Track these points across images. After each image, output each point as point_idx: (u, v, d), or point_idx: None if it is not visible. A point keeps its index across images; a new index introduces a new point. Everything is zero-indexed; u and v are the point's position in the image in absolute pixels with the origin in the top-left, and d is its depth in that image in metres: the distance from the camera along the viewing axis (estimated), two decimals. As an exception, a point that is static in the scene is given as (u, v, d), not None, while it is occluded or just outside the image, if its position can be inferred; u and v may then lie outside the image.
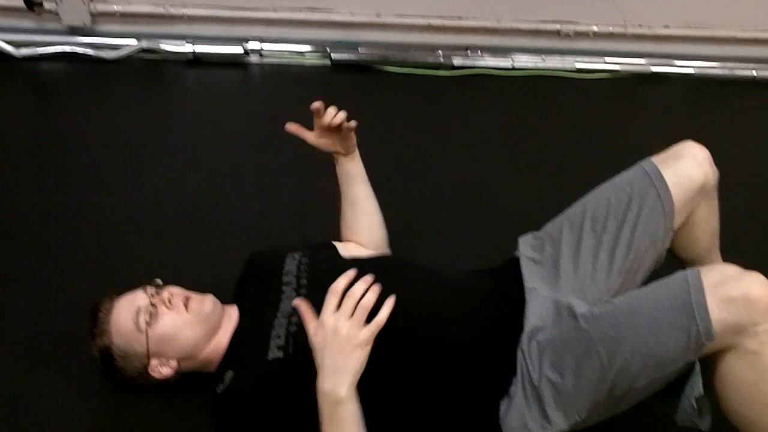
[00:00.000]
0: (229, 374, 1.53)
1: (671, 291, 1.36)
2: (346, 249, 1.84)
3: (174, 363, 1.61)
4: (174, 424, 1.67)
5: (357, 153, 1.86)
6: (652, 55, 3.17)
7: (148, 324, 1.57)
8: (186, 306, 1.60)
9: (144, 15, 2.99)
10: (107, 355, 1.61)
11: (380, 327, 1.35)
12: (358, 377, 1.35)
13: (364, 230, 1.88)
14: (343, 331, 1.34)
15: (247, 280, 1.77)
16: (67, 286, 1.98)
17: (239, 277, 1.79)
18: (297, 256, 1.71)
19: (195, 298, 1.62)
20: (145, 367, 1.61)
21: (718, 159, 1.67)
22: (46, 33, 2.99)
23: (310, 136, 1.82)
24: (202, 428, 1.63)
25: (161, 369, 1.61)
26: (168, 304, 1.59)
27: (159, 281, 1.65)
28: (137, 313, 1.58)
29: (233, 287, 1.78)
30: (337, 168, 1.87)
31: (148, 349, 1.58)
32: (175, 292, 1.62)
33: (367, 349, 1.35)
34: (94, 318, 1.61)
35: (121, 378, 1.64)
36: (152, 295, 1.60)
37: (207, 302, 1.62)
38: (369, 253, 1.83)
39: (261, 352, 1.51)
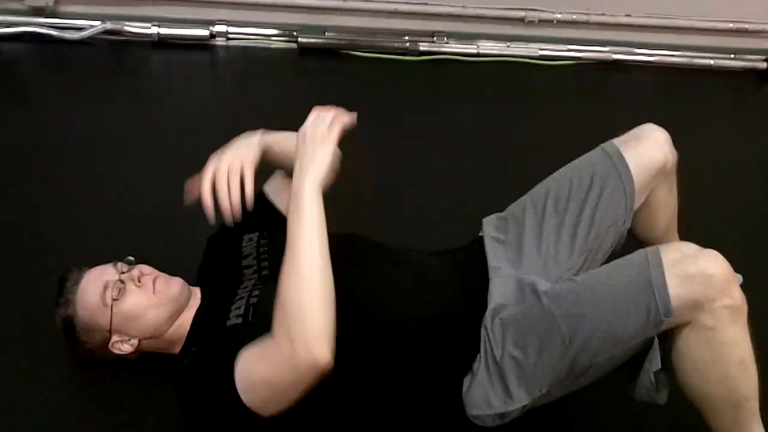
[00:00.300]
0: (193, 350, 1.54)
1: (631, 268, 1.39)
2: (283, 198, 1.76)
3: (135, 342, 1.61)
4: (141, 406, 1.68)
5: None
6: (614, 43, 3.22)
7: (114, 299, 1.57)
8: (154, 286, 1.59)
9: (108, -5, 2.96)
10: (70, 325, 1.60)
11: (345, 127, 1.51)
12: (322, 171, 1.42)
13: None
14: (319, 127, 1.48)
15: (207, 266, 1.77)
16: (29, 283, 1.94)
17: (201, 263, 1.79)
18: (254, 237, 1.72)
19: (163, 278, 1.62)
20: (106, 342, 1.60)
21: (677, 144, 1.70)
22: (8, 13, 2.95)
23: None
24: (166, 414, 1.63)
25: (121, 346, 1.61)
26: (137, 283, 1.59)
27: (131, 258, 1.64)
28: (105, 288, 1.57)
29: (196, 271, 1.78)
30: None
31: (111, 325, 1.58)
32: (145, 271, 1.62)
33: (333, 146, 1.47)
34: (61, 286, 1.61)
35: (80, 349, 1.63)
36: (122, 272, 1.60)
37: (174, 284, 1.62)
38: None
39: (221, 322, 1.52)
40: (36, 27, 2.93)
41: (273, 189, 1.79)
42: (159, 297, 1.59)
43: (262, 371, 1.36)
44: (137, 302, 1.58)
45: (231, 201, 1.45)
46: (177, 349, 1.61)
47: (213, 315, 1.57)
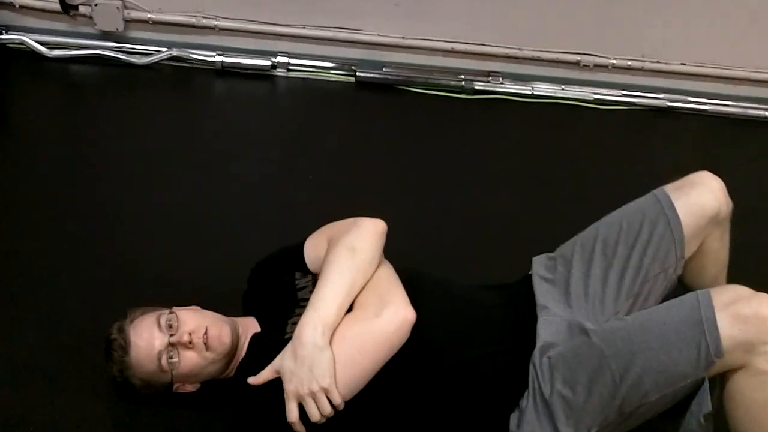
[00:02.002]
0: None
1: (682, 308, 1.40)
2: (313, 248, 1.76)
3: (198, 384, 1.66)
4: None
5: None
6: (668, 90, 3.23)
7: (171, 365, 1.58)
8: (206, 342, 1.58)
9: (176, 24, 3.05)
10: (128, 382, 1.63)
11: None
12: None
13: None
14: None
15: (259, 294, 1.77)
16: (89, 287, 2.02)
17: (247, 289, 1.80)
18: (311, 276, 1.69)
19: (213, 333, 1.58)
20: (168, 388, 1.64)
21: (729, 192, 1.70)
22: (79, 36, 3.05)
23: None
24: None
25: (185, 387, 1.66)
26: (188, 345, 1.57)
27: (172, 314, 1.61)
28: (158, 358, 1.57)
29: (242, 298, 1.80)
30: None
31: (172, 381, 1.62)
32: (192, 329, 1.58)
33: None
34: (109, 354, 1.61)
35: (141, 393, 1.66)
36: (170, 334, 1.58)
37: (225, 336, 1.60)
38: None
39: (278, 337, 1.54)
40: (105, 50, 3.04)
41: (309, 245, 1.74)
42: (214, 353, 1.59)
43: (352, 336, 1.46)
44: (194, 363, 1.59)
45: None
46: (233, 373, 1.65)
47: (270, 340, 1.58)
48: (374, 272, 1.57)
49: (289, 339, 1.49)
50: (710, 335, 1.34)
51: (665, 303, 1.48)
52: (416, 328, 1.52)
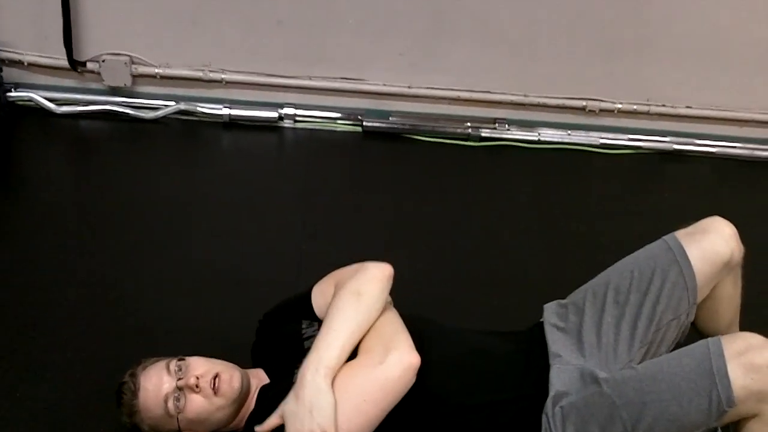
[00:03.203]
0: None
1: (693, 358, 1.39)
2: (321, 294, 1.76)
3: None
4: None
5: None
6: (675, 134, 3.24)
7: (177, 409, 1.57)
8: (214, 387, 1.57)
9: (183, 78, 3.08)
10: (138, 429, 1.63)
11: None
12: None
13: None
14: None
15: (266, 345, 1.77)
16: (101, 341, 2.02)
17: (256, 341, 1.80)
18: (316, 324, 1.69)
19: (224, 378, 1.58)
20: None
21: (739, 235, 1.69)
22: (88, 92, 3.08)
23: None
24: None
25: None
26: (195, 389, 1.57)
27: (183, 360, 1.62)
28: (165, 401, 1.57)
29: (251, 351, 1.80)
30: None
31: (179, 428, 1.60)
32: (201, 373, 1.58)
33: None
34: (119, 398, 1.62)
35: None
36: (178, 378, 1.58)
37: (235, 381, 1.59)
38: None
39: (287, 387, 1.52)
40: (113, 106, 3.06)
41: (317, 292, 1.75)
42: (222, 399, 1.58)
43: (357, 383, 1.45)
44: (201, 409, 1.58)
45: None
46: (242, 425, 1.64)
47: (278, 391, 1.57)
48: (379, 316, 1.57)
49: None
50: (722, 385, 1.33)
51: (676, 351, 1.47)
52: (423, 375, 1.52)
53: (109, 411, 1.71)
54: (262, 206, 2.68)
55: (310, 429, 1.41)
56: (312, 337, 1.63)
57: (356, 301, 1.55)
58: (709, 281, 1.66)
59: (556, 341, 1.68)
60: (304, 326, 1.70)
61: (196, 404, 1.57)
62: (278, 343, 1.73)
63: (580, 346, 1.66)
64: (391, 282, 1.63)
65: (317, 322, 1.68)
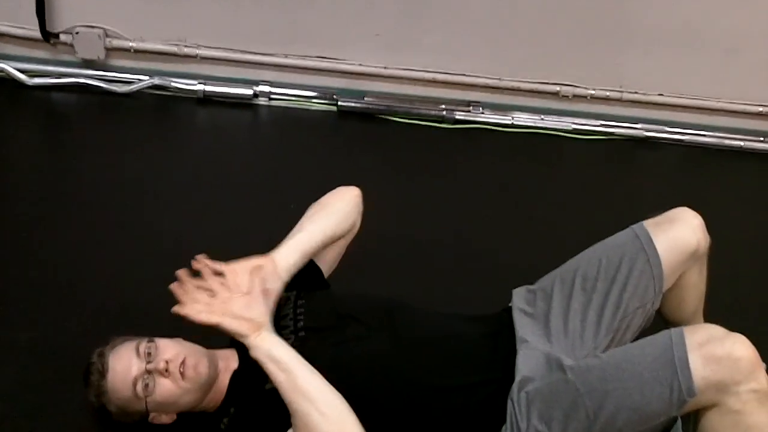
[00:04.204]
0: (231, 411, 1.58)
1: (655, 347, 1.41)
2: (321, 257, 1.83)
3: (173, 414, 1.64)
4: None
5: (271, 257, 1.64)
6: (646, 121, 3.27)
7: (146, 392, 1.58)
8: (182, 372, 1.58)
9: (157, 53, 3.06)
10: (104, 409, 1.62)
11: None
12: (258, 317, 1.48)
13: (342, 236, 1.83)
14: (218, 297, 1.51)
15: None
16: (70, 318, 2.01)
17: None
18: (292, 297, 1.73)
19: (189, 363, 1.59)
20: (143, 417, 1.63)
21: (705, 223, 1.71)
22: (60, 64, 3.05)
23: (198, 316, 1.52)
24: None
25: (160, 418, 1.64)
26: (164, 373, 1.57)
27: (152, 342, 1.62)
28: (134, 384, 1.57)
29: None
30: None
31: (147, 409, 1.61)
32: (170, 357, 1.58)
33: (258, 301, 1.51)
34: (87, 378, 1.61)
35: (117, 421, 1.65)
36: (148, 361, 1.58)
37: (201, 367, 1.59)
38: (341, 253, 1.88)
39: (258, 384, 1.54)
40: (86, 79, 3.03)
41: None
42: (189, 383, 1.59)
43: None
44: (169, 392, 1.58)
45: None
46: (212, 408, 1.64)
47: (250, 377, 1.58)
48: (349, 226, 1.77)
49: (271, 388, 1.49)
50: (682, 375, 1.35)
51: (639, 341, 1.50)
52: (394, 356, 1.54)
53: (75, 391, 1.70)
54: (236, 184, 2.67)
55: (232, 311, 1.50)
56: (286, 316, 1.67)
57: (320, 209, 1.75)
58: (676, 270, 1.69)
59: (523, 326, 1.70)
60: (281, 302, 1.69)
61: (165, 388, 1.58)
62: None
63: (547, 332, 1.67)
64: (358, 200, 1.80)
65: (295, 291, 1.71)
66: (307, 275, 1.78)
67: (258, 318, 1.49)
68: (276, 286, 1.58)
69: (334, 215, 1.76)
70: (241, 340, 1.47)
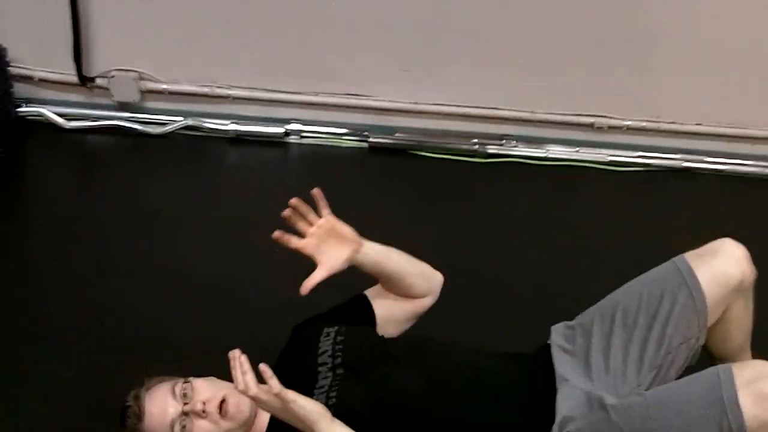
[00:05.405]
0: None
1: (702, 385, 1.38)
2: (381, 305, 1.83)
3: None
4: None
5: (362, 241, 1.69)
6: (684, 151, 3.21)
7: None
8: (221, 411, 1.57)
9: (190, 94, 3.09)
10: None
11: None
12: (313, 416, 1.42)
13: (411, 291, 1.83)
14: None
15: (285, 359, 1.76)
16: (109, 356, 2.03)
17: (279, 355, 1.79)
18: (332, 333, 1.72)
19: (231, 402, 1.58)
20: None
21: (750, 255, 1.67)
22: (96, 108, 3.10)
23: (297, 242, 1.67)
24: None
25: None
26: (201, 414, 1.56)
27: (188, 383, 1.61)
28: (172, 426, 1.56)
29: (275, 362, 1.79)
30: (359, 267, 1.72)
31: None
32: (207, 398, 1.58)
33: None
34: (124, 421, 1.61)
35: None
36: (184, 403, 1.58)
37: (243, 405, 1.58)
38: (404, 323, 1.85)
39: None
40: (121, 121, 3.08)
41: (373, 293, 1.83)
42: (230, 422, 1.57)
43: None
44: None
45: None
46: None
47: None
48: (424, 290, 1.81)
49: None
50: (732, 414, 1.31)
51: (685, 378, 1.46)
52: (427, 396, 1.53)
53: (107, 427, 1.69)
54: (268, 221, 2.65)
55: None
56: (324, 353, 1.66)
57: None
58: (720, 304, 1.64)
59: (563, 364, 1.67)
60: (321, 338, 1.71)
61: (203, 430, 1.57)
62: (295, 356, 1.74)
63: (588, 370, 1.64)
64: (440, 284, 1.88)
65: (337, 326, 1.70)
66: (357, 314, 1.77)
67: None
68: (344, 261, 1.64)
69: (419, 265, 1.82)
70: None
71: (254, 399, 1.39)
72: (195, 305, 2.24)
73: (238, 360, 1.41)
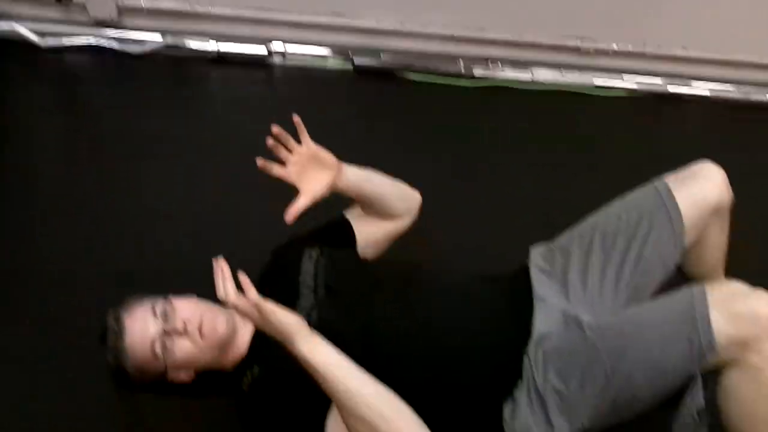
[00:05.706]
0: (255, 369, 1.57)
1: (676, 304, 1.40)
2: (362, 227, 1.85)
3: (192, 372, 1.64)
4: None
5: (342, 166, 1.72)
6: (670, 75, 3.19)
7: (164, 352, 1.58)
8: (200, 331, 1.58)
9: (170, 11, 3.01)
10: (122, 369, 1.62)
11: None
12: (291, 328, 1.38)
13: (390, 212, 1.85)
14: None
15: (266, 280, 1.77)
16: (87, 282, 2.02)
17: (260, 276, 1.79)
18: (314, 254, 1.73)
19: (208, 321, 1.59)
20: (162, 376, 1.63)
21: (729, 179, 1.68)
22: (72, 24, 3.01)
23: (279, 171, 1.67)
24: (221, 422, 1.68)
25: (178, 376, 1.64)
26: (182, 332, 1.58)
27: (168, 302, 1.62)
28: (152, 345, 1.57)
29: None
30: (341, 192, 1.74)
31: (165, 369, 1.61)
32: (187, 317, 1.59)
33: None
34: (104, 338, 1.62)
35: (133, 381, 1.65)
36: (165, 321, 1.59)
37: (220, 325, 1.60)
38: (383, 244, 1.86)
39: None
40: (99, 39, 2.99)
41: (353, 214, 1.84)
42: (208, 341, 1.59)
43: None
44: (188, 352, 1.59)
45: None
46: (231, 365, 1.64)
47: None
48: (403, 209, 1.86)
49: None
50: (704, 331, 1.33)
51: (660, 298, 1.48)
52: (411, 318, 1.54)
53: (91, 353, 1.70)
54: (251, 144, 2.63)
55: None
56: (308, 273, 1.67)
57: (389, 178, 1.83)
58: (697, 226, 1.66)
59: (541, 284, 1.69)
60: (304, 259, 1.71)
61: (184, 348, 1.58)
62: (277, 277, 1.74)
63: (565, 289, 1.66)
64: (418, 203, 1.91)
65: (319, 247, 1.71)
66: (338, 236, 1.77)
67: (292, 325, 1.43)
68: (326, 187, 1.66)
69: (398, 186, 1.86)
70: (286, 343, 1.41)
71: (233, 307, 1.39)
72: (174, 231, 2.22)
73: (220, 267, 1.41)
